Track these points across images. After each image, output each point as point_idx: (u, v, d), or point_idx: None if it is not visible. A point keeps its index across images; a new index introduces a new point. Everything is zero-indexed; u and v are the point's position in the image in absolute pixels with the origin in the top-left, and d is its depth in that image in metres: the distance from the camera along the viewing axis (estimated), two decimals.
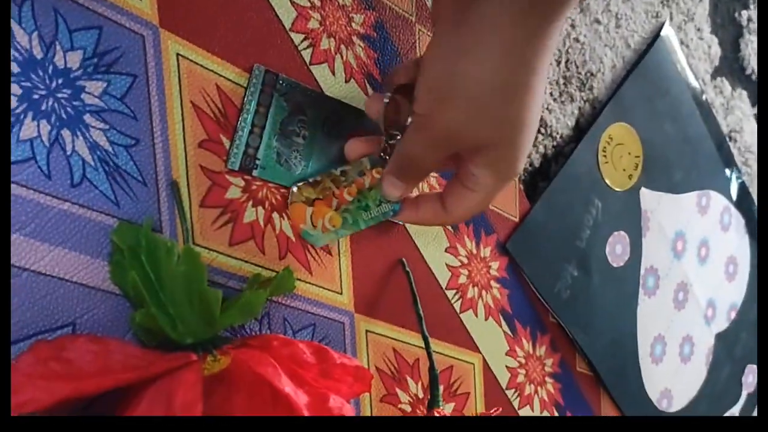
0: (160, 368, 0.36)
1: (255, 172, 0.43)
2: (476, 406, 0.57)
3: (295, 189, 0.45)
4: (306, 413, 0.37)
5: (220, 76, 0.42)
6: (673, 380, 0.75)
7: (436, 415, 0.49)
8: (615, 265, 0.67)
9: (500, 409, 0.51)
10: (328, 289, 0.48)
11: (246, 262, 0.44)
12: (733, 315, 0.83)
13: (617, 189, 0.67)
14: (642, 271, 0.70)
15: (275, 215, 0.45)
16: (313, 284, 0.47)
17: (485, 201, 0.42)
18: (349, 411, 0.39)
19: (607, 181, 0.65)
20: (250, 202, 0.44)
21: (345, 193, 0.46)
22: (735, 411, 0.85)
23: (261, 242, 0.44)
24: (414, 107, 0.39)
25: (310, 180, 0.45)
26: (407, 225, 0.52)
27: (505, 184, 0.41)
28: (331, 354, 0.41)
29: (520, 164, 0.40)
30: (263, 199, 0.44)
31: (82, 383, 0.33)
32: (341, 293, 0.48)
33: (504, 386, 0.59)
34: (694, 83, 0.75)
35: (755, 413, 0.88)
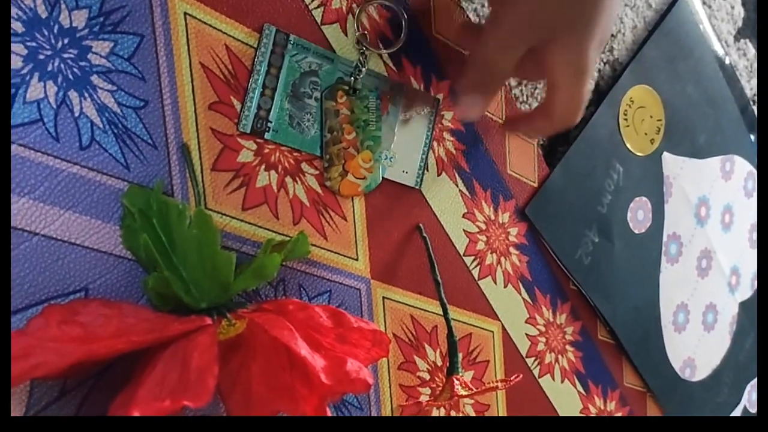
0: (174, 331, 0.35)
1: (267, 135, 0.43)
2: (496, 375, 0.56)
3: (327, 183, 0.45)
4: (323, 377, 0.36)
5: (229, 36, 0.41)
6: (696, 349, 0.73)
7: (456, 384, 0.48)
8: (637, 231, 0.65)
9: (520, 376, 0.50)
10: (344, 255, 0.47)
11: (259, 227, 0.43)
12: (757, 283, 0.81)
13: (639, 154, 0.65)
14: (664, 238, 0.68)
15: (288, 179, 0.44)
16: (328, 250, 0.46)
17: (572, 97, 0.42)
18: (366, 375, 0.38)
19: (628, 146, 0.64)
20: (263, 166, 0.43)
21: (348, 136, 0.45)
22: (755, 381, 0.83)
23: (274, 207, 0.43)
24: (488, 4, 0.41)
25: (325, 164, 0.45)
26: (423, 190, 0.51)
27: (583, 75, 0.41)
28: (348, 318, 0.40)
29: (593, 50, 0.39)
30: (276, 163, 0.43)
31: (95, 346, 0.33)
32: (357, 259, 0.48)
33: (524, 354, 0.58)
34: (717, 45, 0.72)
35: None
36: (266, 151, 0.43)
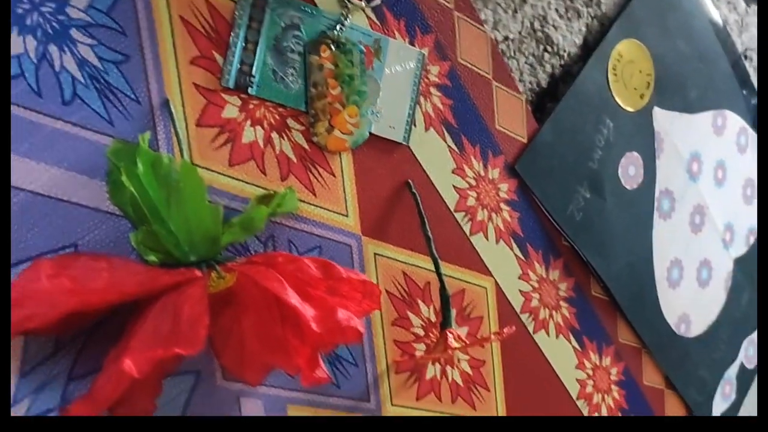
0: (165, 283, 0.36)
1: (251, 90, 0.42)
2: (490, 330, 0.56)
3: (314, 138, 0.45)
4: (314, 325, 0.37)
5: None
6: (691, 305, 0.74)
7: (450, 337, 0.49)
8: (628, 187, 0.65)
9: (513, 328, 0.50)
10: (334, 211, 0.47)
11: (247, 183, 0.43)
12: (752, 239, 0.81)
13: (629, 109, 0.65)
14: (656, 194, 0.68)
15: (274, 135, 0.44)
16: (317, 206, 0.46)
17: None
18: (358, 324, 0.38)
19: (618, 101, 0.64)
20: (249, 122, 0.43)
21: (333, 91, 0.45)
22: (755, 336, 0.83)
23: (261, 163, 0.43)
24: None
25: (311, 119, 0.45)
26: (411, 146, 0.51)
27: None
28: (337, 268, 0.40)
29: None
30: (261, 119, 0.43)
31: (87, 297, 0.33)
32: (347, 215, 0.48)
33: (518, 310, 0.59)
34: None
35: None
36: (251, 106, 0.43)
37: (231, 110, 0.42)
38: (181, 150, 0.40)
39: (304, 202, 0.45)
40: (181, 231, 0.37)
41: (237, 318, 0.40)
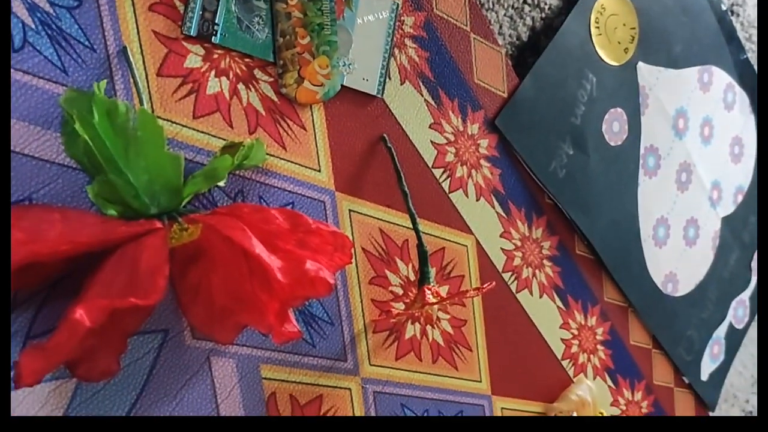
0: (122, 234, 0.34)
1: (215, 39, 0.41)
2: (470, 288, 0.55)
3: (283, 90, 0.43)
4: (279, 276, 0.35)
5: None
6: (678, 264, 0.73)
7: (428, 293, 0.48)
8: (613, 143, 0.64)
9: (493, 283, 0.49)
10: (305, 166, 0.46)
11: (213, 136, 0.41)
12: (739, 198, 0.80)
13: (612, 63, 0.63)
14: (642, 150, 0.67)
15: (241, 86, 0.42)
16: (288, 161, 0.45)
17: None
18: (327, 276, 0.37)
19: (601, 54, 0.62)
20: (213, 72, 0.41)
21: (302, 40, 0.44)
22: (745, 296, 0.83)
23: (228, 115, 0.42)
24: None
25: (279, 70, 0.43)
26: (386, 99, 0.49)
27: None
28: (306, 219, 0.39)
29: None
30: (227, 69, 0.42)
31: (38, 247, 0.32)
32: (319, 170, 0.46)
33: (500, 269, 0.58)
34: None
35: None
36: (215, 56, 0.41)
37: (194, 60, 0.40)
38: (141, 101, 0.38)
39: (273, 156, 0.44)
40: (140, 181, 0.36)
41: (205, 274, 0.39)
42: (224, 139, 0.42)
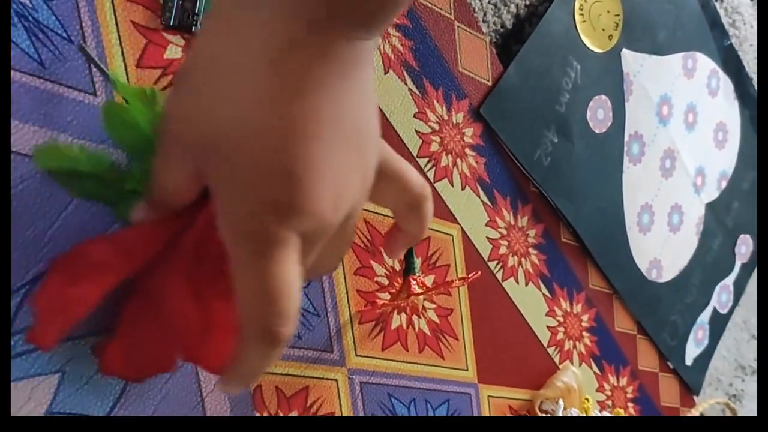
0: (176, 224, 0.34)
1: (195, 29, 0.40)
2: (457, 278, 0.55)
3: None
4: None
5: None
6: (662, 250, 0.73)
7: (413, 283, 0.48)
8: (597, 130, 0.64)
9: (479, 273, 0.49)
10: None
11: None
12: (723, 184, 0.80)
13: (597, 50, 0.63)
14: (626, 137, 0.67)
15: None
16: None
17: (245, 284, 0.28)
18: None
19: (585, 42, 0.62)
20: None
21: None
22: (729, 281, 0.84)
23: None
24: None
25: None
26: None
27: (255, 243, 0.27)
28: None
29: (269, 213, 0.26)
30: None
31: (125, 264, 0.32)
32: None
33: (486, 258, 0.58)
34: None
35: (749, 283, 0.87)
36: None
37: (174, 50, 0.40)
38: (112, 83, 0.37)
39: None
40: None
41: None
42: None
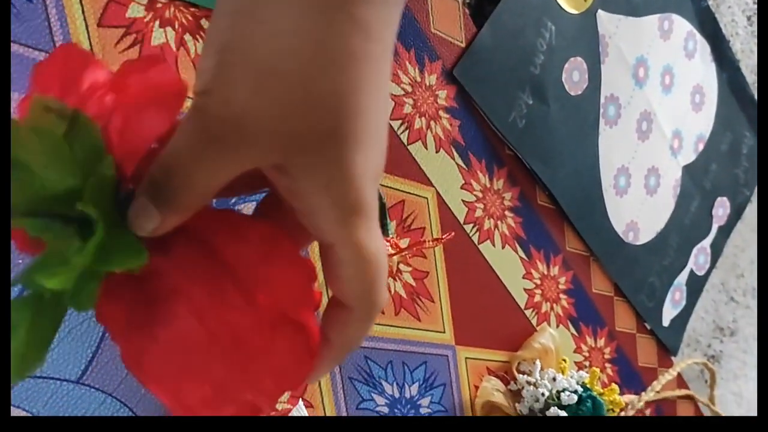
0: None
1: None
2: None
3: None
4: None
5: None
6: (639, 212, 0.74)
7: (386, 244, 0.48)
8: (573, 93, 0.64)
9: (452, 233, 0.49)
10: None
11: None
12: (700, 146, 0.81)
13: (572, 11, 0.63)
14: (602, 100, 0.67)
15: (188, 37, 0.41)
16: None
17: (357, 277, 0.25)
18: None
19: (560, 2, 0.62)
20: (157, 22, 0.40)
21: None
22: (705, 244, 0.84)
23: (175, 68, 0.41)
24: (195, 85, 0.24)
25: None
26: None
27: (350, 214, 0.24)
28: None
29: (361, 183, 0.23)
30: (172, 19, 0.41)
31: None
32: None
33: (461, 221, 0.58)
34: None
35: (726, 246, 0.88)
36: (159, 5, 0.40)
37: (136, 9, 0.39)
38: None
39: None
40: None
41: None
42: None
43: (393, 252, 0.46)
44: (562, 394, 0.58)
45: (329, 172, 0.23)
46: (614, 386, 0.64)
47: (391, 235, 0.48)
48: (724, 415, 0.89)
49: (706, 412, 0.89)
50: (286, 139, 0.23)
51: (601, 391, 0.63)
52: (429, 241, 0.51)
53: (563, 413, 0.57)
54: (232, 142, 0.22)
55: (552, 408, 0.58)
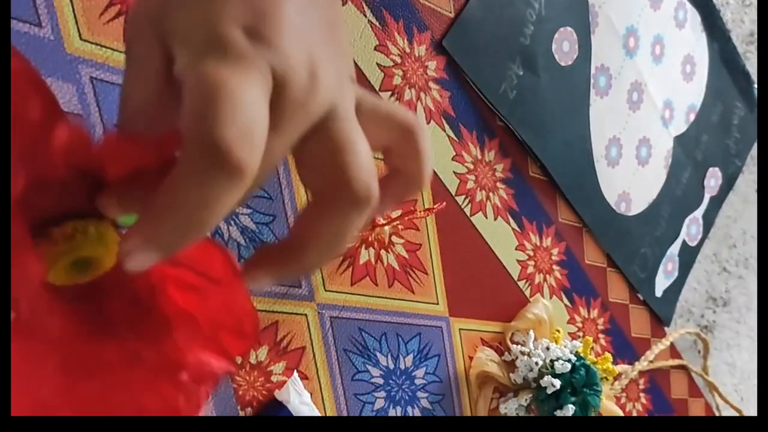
0: None
1: None
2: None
3: None
4: None
5: None
6: (630, 183, 0.74)
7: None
8: (563, 63, 0.64)
9: (444, 204, 0.49)
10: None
11: None
12: (692, 117, 0.81)
13: None
14: (592, 70, 0.67)
15: None
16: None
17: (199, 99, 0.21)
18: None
19: None
20: None
21: None
22: (698, 214, 0.85)
23: None
24: None
25: None
26: None
27: (203, 50, 0.22)
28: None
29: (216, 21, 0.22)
30: None
31: None
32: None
33: (453, 193, 0.58)
34: None
35: (718, 216, 0.89)
36: None
37: None
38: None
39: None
40: None
41: None
42: None
43: (384, 222, 0.46)
44: (555, 363, 0.59)
45: (190, 18, 0.22)
46: (607, 355, 0.64)
47: None
48: (716, 384, 0.90)
49: (700, 382, 0.90)
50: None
51: (594, 360, 0.63)
52: (420, 211, 0.52)
53: (557, 381, 0.57)
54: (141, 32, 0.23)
55: (546, 377, 0.58)
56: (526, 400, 0.60)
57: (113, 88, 0.39)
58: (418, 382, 0.57)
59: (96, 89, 0.38)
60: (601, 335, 0.74)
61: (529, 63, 0.61)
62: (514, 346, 0.62)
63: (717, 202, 0.87)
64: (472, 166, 0.59)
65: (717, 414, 0.92)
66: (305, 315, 0.49)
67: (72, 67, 0.38)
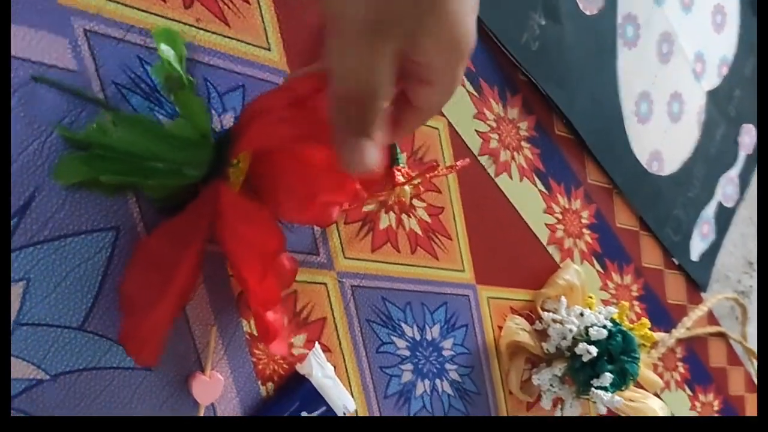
0: None
1: None
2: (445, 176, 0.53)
3: None
4: None
5: None
6: (662, 141, 0.70)
7: (397, 174, 0.45)
8: (588, 12, 0.60)
9: (467, 160, 0.46)
10: (254, 45, 0.42)
11: (144, 11, 0.37)
12: (724, 70, 0.77)
13: None
14: (619, 20, 0.63)
15: None
16: (233, 39, 0.41)
17: (449, 88, 0.30)
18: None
19: None
20: None
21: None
22: (733, 173, 0.81)
23: None
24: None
25: None
26: None
27: (460, 56, 0.28)
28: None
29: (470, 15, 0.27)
30: None
31: None
32: (269, 49, 0.43)
33: (476, 153, 0.55)
34: None
35: (755, 174, 0.85)
36: None
37: None
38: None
39: (216, 33, 0.40)
40: (154, 169, 0.35)
41: (273, 178, 0.37)
42: (158, 15, 0.38)
43: (404, 180, 0.44)
44: (590, 329, 0.56)
45: (441, 30, 0.27)
46: (645, 320, 0.61)
47: (401, 164, 0.45)
48: (755, 351, 0.86)
49: (738, 350, 0.86)
50: (402, 12, 0.26)
51: (631, 326, 0.60)
52: (442, 169, 0.48)
53: (593, 348, 0.54)
54: (376, 28, 0.26)
55: (581, 344, 0.55)
56: (560, 369, 0.57)
57: (109, 42, 0.36)
58: (446, 353, 0.54)
59: (90, 42, 0.36)
60: (635, 302, 0.71)
61: (551, 12, 0.57)
62: (546, 313, 0.59)
63: (752, 160, 0.83)
64: (494, 124, 0.56)
65: (755, 383, 0.89)
66: (325, 284, 0.47)
67: (63, 19, 0.35)
